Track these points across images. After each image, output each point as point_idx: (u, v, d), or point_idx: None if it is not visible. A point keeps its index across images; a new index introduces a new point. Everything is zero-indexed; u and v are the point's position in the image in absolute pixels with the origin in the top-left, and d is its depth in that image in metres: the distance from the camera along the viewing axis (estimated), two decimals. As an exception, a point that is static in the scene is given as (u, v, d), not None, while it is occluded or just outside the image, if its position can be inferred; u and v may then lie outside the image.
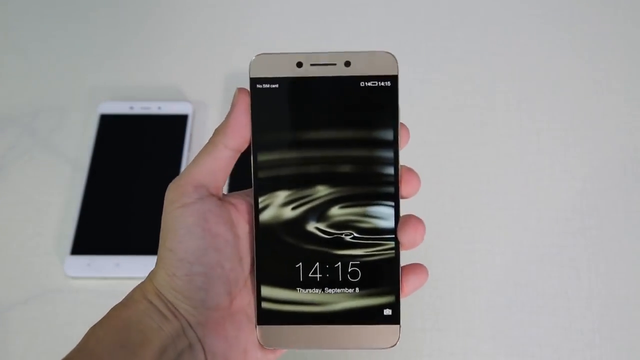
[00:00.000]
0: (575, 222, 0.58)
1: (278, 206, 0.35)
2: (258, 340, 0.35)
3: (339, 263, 0.35)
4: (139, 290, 0.34)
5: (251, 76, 0.35)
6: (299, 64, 0.35)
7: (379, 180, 0.35)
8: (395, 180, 0.35)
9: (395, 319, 0.35)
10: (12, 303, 0.55)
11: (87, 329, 0.33)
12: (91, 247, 0.57)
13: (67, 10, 0.71)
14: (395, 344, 0.35)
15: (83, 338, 0.33)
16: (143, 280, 0.35)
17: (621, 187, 0.59)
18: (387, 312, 0.35)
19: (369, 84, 0.34)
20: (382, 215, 0.35)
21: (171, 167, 0.60)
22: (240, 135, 0.34)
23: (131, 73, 0.67)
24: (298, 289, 0.35)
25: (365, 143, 0.35)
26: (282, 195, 0.35)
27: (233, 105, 0.35)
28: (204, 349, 0.33)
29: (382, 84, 0.34)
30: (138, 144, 0.62)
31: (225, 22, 0.70)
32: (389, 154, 0.35)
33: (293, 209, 0.35)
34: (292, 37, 0.69)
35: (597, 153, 0.61)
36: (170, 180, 0.32)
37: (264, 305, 0.35)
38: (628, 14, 0.69)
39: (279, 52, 0.35)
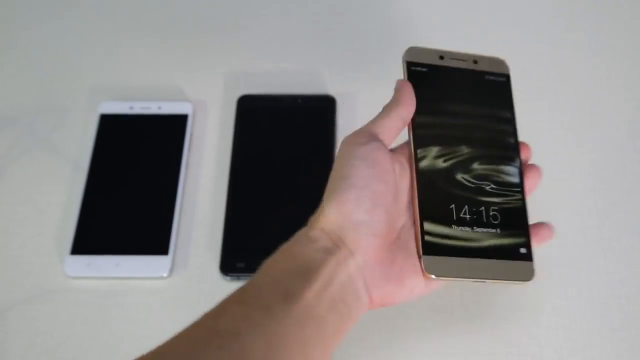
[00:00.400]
0: (575, 222, 0.58)
1: (432, 158, 0.42)
2: (422, 270, 0.39)
3: (483, 207, 0.42)
4: (304, 232, 0.38)
5: (406, 60, 0.45)
6: (441, 57, 0.46)
7: (504, 146, 0.44)
8: (516, 147, 0.44)
9: (529, 257, 0.41)
10: (12, 303, 0.55)
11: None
12: (91, 247, 0.56)
13: (68, 10, 0.71)
14: (531, 280, 0.40)
15: (258, 270, 0.37)
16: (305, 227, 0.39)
17: (621, 187, 0.59)
18: (523, 250, 0.41)
19: (492, 77, 0.46)
20: (511, 172, 0.43)
21: (171, 167, 0.60)
22: (410, 108, 0.42)
23: (131, 73, 0.67)
24: (453, 226, 0.41)
25: (493, 118, 0.45)
26: (434, 150, 0.42)
27: (402, 85, 0.43)
28: (364, 276, 0.37)
29: (501, 79, 0.47)
30: (138, 144, 0.62)
31: (226, 22, 0.70)
32: (510, 127, 0.45)
33: (444, 161, 0.42)
34: (293, 36, 0.69)
35: (597, 153, 0.61)
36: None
37: (427, 238, 0.40)
38: (629, 14, 0.69)
39: (426, 46, 0.46)
